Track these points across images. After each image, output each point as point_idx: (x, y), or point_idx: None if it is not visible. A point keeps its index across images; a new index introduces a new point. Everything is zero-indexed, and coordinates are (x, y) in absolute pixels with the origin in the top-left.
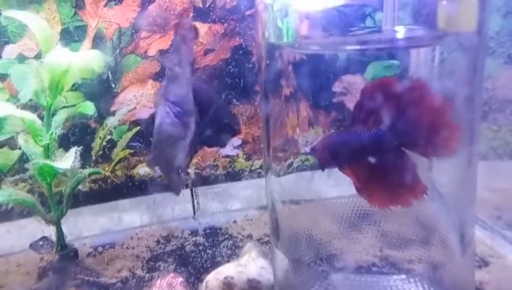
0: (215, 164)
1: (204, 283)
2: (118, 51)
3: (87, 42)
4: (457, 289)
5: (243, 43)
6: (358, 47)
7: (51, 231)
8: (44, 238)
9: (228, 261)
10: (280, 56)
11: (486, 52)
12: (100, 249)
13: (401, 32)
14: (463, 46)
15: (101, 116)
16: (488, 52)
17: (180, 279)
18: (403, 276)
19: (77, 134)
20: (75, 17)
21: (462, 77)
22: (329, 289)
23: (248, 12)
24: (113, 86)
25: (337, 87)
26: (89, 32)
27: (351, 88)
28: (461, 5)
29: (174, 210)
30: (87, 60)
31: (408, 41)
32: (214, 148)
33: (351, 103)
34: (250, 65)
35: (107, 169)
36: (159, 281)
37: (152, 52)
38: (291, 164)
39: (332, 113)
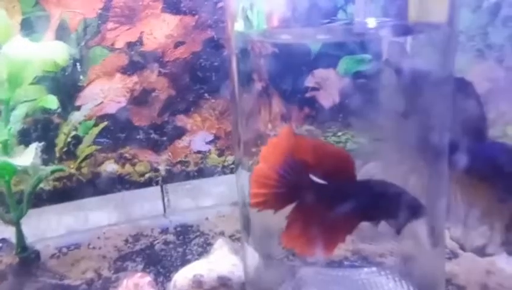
0: (186, 160)
1: (172, 282)
2: (83, 43)
3: (49, 33)
4: (427, 280)
5: (215, 36)
6: (329, 37)
7: (11, 233)
8: (3, 240)
9: (199, 259)
10: (251, 49)
11: (456, 44)
12: (65, 250)
13: (372, 24)
14: (434, 37)
15: (66, 111)
16: (459, 46)
17: (148, 279)
18: (374, 269)
19: (40, 130)
20: (37, 7)
21: (433, 68)
22: (301, 284)
23: (220, 5)
24: (78, 79)
25: (309, 82)
26: (51, 23)
27: (323, 83)
28: None
29: (144, 208)
30: (50, 51)
31: (379, 32)
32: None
33: (324, 99)
34: (222, 58)
35: (72, 166)
36: (125, 282)
37: (120, 44)
38: None
39: (305, 109)
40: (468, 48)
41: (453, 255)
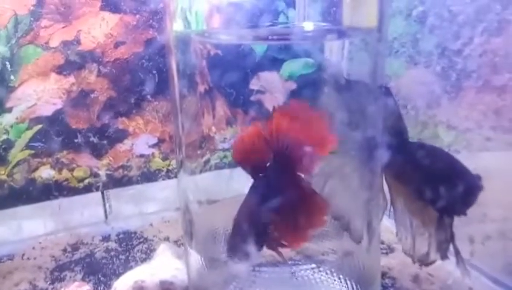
0: (128, 164)
1: (112, 289)
2: (13, 41)
3: None
4: (364, 274)
5: (158, 37)
6: (268, 38)
7: None
8: None
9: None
10: (193, 50)
11: (386, 48)
12: None
13: (309, 27)
14: (366, 41)
15: None
16: (393, 52)
17: (87, 287)
18: (313, 265)
19: None
20: None
21: (366, 71)
22: (244, 285)
23: (162, 5)
24: (8, 79)
25: (254, 85)
26: None
27: (269, 86)
28: (363, 2)
29: (84, 215)
30: None
31: (316, 35)
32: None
33: (269, 102)
34: (165, 59)
35: (3, 172)
36: None
37: (54, 43)
38: (208, 161)
39: (251, 112)
40: (401, 54)
41: (390, 250)
